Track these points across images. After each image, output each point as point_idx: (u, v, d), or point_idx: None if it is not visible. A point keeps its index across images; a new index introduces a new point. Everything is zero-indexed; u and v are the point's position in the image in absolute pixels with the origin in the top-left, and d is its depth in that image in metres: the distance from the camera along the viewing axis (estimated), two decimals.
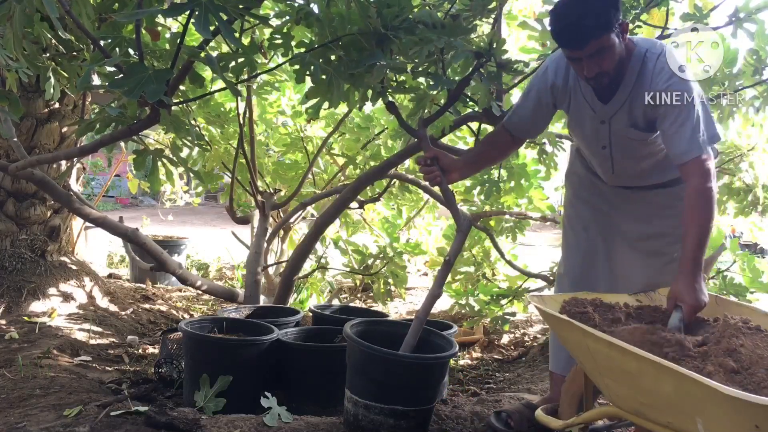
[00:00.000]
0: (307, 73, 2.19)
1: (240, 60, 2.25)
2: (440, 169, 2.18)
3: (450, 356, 2.25)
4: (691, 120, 1.88)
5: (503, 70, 2.37)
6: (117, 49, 2.23)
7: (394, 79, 2.46)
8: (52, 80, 2.71)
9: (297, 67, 2.17)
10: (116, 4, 2.31)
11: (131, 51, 2.24)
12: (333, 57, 2.24)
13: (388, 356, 2.08)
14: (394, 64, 2.23)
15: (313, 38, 2.33)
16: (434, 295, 2.21)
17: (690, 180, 1.90)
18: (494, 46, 2.28)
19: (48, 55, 2.77)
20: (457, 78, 2.47)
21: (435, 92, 2.48)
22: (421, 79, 2.54)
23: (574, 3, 1.88)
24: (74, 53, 2.75)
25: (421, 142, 2.34)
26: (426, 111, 2.58)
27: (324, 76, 2.19)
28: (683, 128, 1.89)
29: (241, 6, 1.91)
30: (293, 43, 2.29)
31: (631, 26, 2.76)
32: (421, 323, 2.19)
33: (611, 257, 2.25)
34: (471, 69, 2.33)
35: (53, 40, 2.67)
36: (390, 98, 2.42)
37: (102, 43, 2.17)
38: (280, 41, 2.29)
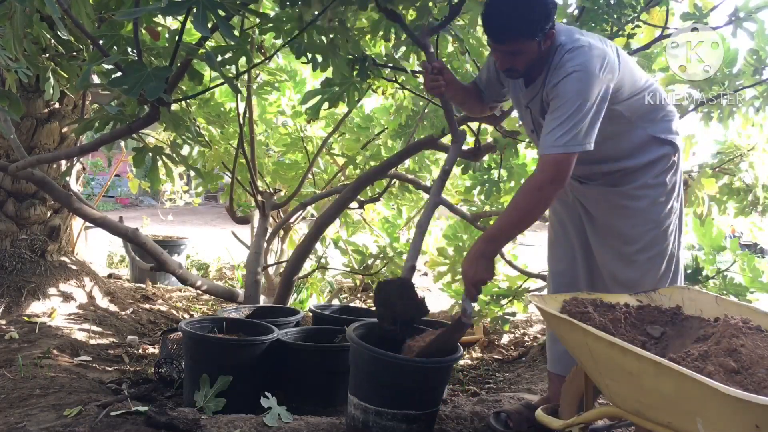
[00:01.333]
0: (305, 59, 2.20)
1: (235, 52, 2.26)
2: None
3: (459, 357, 2.25)
4: (565, 118, 1.86)
5: None
6: (115, 47, 2.23)
7: None
8: (52, 80, 2.72)
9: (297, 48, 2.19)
10: (115, 3, 2.31)
11: (129, 50, 2.24)
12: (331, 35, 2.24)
13: (402, 361, 2.06)
14: None
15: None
16: (434, 203, 2.28)
17: (536, 172, 1.93)
18: None
19: (47, 55, 2.77)
20: None
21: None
22: None
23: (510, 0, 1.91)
24: (74, 53, 2.76)
25: (426, 51, 2.37)
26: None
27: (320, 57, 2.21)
28: (552, 123, 1.89)
29: (238, 2, 1.91)
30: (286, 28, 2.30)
31: (631, 26, 2.76)
32: (423, 232, 2.24)
33: (587, 255, 2.26)
34: None
35: (53, 41, 2.68)
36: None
37: (101, 42, 2.18)
38: (270, 25, 2.30)
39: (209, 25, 1.81)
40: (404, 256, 4.72)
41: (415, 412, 2.07)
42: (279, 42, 2.44)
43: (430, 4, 2.46)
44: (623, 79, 1.98)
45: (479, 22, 2.71)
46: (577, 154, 1.88)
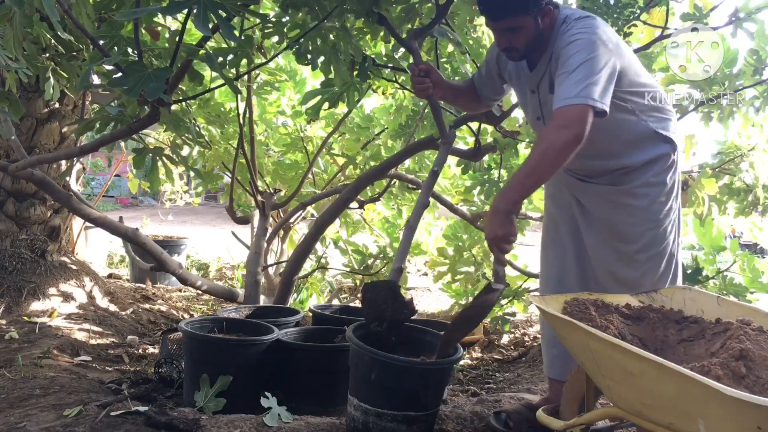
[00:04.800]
0: (306, 61, 2.21)
1: (237, 54, 2.26)
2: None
3: (460, 358, 2.24)
4: (576, 70, 1.81)
5: None
6: (116, 48, 2.23)
7: None
8: (52, 80, 2.71)
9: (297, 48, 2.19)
10: (115, 3, 2.31)
11: (130, 50, 2.24)
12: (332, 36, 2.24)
13: (404, 363, 2.06)
14: None
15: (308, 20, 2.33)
16: (423, 204, 2.25)
17: (551, 126, 1.83)
18: None
19: (47, 55, 2.77)
20: None
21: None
22: None
23: None
24: (74, 53, 2.75)
25: (413, 54, 2.36)
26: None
27: (322, 58, 2.21)
28: (564, 78, 1.83)
29: (239, 3, 1.91)
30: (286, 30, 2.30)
31: (627, 27, 2.76)
32: (412, 231, 2.23)
33: (579, 257, 2.25)
34: None
35: (53, 41, 2.67)
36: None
37: (101, 42, 2.17)
38: (271, 29, 2.30)
39: (210, 26, 1.81)
40: None
41: (415, 413, 2.07)
42: (279, 42, 2.43)
43: (416, 4, 2.46)
44: (629, 65, 1.98)
45: (472, 20, 2.71)
46: (592, 111, 1.78)
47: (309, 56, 2.33)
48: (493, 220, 1.85)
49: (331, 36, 2.29)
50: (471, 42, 3.03)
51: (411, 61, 2.35)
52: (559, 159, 1.80)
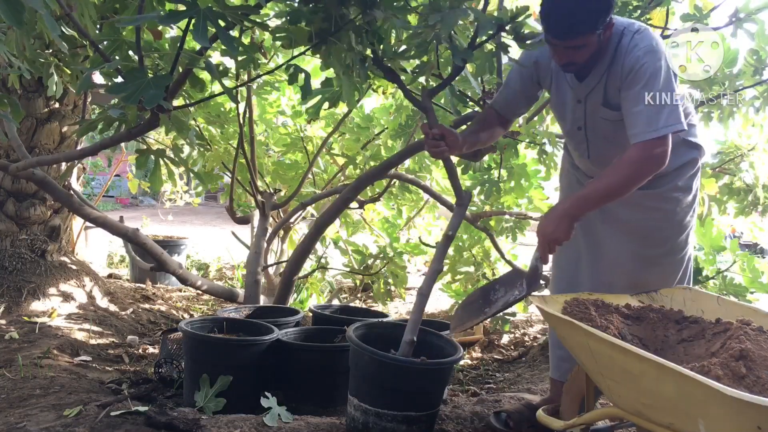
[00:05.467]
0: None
1: (242, 59, 2.25)
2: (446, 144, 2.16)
3: (460, 358, 2.24)
4: (653, 101, 1.86)
5: (519, 43, 2.24)
6: (117, 51, 2.22)
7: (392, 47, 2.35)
8: (55, 77, 2.71)
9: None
10: (118, 3, 2.30)
11: (131, 53, 2.23)
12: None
13: (404, 364, 2.06)
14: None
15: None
16: (435, 270, 2.20)
17: (631, 154, 1.89)
18: (518, 17, 2.12)
19: (51, 51, 2.76)
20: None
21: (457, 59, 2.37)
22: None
23: None
24: (77, 48, 2.74)
25: (428, 113, 2.29)
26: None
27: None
28: (643, 109, 1.87)
29: (240, 12, 1.90)
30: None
31: None
32: (425, 299, 2.17)
33: (594, 262, 2.23)
34: (484, 38, 2.21)
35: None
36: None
37: (104, 44, 2.17)
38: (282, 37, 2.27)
39: (210, 36, 1.80)
40: (404, 257, 4.73)
41: (415, 413, 2.07)
42: (278, 43, 2.40)
43: (425, 58, 2.35)
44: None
45: (492, 72, 2.65)
46: (671, 135, 1.87)
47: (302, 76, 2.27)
48: (559, 222, 1.93)
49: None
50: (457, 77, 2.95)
51: (412, 60, 2.32)
52: (638, 186, 1.92)
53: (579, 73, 2.04)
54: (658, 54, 1.88)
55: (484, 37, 2.21)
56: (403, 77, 2.41)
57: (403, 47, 2.25)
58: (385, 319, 3.02)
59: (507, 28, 2.04)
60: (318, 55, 2.23)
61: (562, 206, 1.97)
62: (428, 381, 2.12)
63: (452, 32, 2.12)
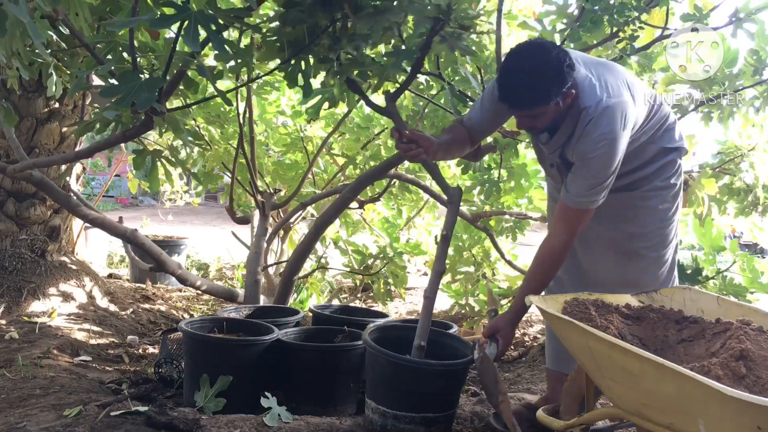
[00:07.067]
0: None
1: (237, 64, 2.24)
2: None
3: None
4: (590, 180, 1.96)
5: (465, 31, 2.24)
6: (111, 53, 2.22)
7: (349, 54, 2.33)
8: (54, 77, 2.71)
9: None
10: (110, 6, 2.29)
11: (125, 55, 2.22)
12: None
13: (420, 366, 2.07)
14: (349, 37, 2.15)
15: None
16: (438, 272, 2.21)
17: (554, 228, 2.06)
18: (453, 6, 2.13)
19: (50, 51, 2.75)
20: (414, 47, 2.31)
21: (398, 66, 2.30)
22: (381, 49, 2.47)
23: (522, 66, 1.88)
24: (76, 47, 2.74)
25: (393, 117, 2.27)
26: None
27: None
28: (578, 180, 1.98)
29: (232, 15, 1.90)
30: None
31: (631, 27, 2.75)
32: (432, 302, 2.19)
33: (580, 263, 2.30)
34: (429, 33, 2.19)
35: (54, 37, 2.66)
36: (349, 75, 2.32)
37: (98, 46, 2.16)
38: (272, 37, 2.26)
39: (201, 39, 1.79)
40: (404, 257, 4.73)
41: (433, 414, 2.07)
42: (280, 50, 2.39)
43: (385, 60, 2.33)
44: (639, 113, 2.02)
45: (456, 61, 2.64)
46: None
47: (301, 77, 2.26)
48: (509, 333, 2.09)
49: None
50: (457, 77, 2.93)
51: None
52: (559, 261, 2.07)
53: (548, 131, 2.08)
54: (609, 143, 1.90)
55: (422, 31, 2.21)
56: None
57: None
58: (398, 321, 3.02)
59: (451, 18, 2.05)
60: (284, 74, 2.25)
61: (509, 317, 2.10)
62: (444, 382, 2.12)
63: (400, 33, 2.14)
